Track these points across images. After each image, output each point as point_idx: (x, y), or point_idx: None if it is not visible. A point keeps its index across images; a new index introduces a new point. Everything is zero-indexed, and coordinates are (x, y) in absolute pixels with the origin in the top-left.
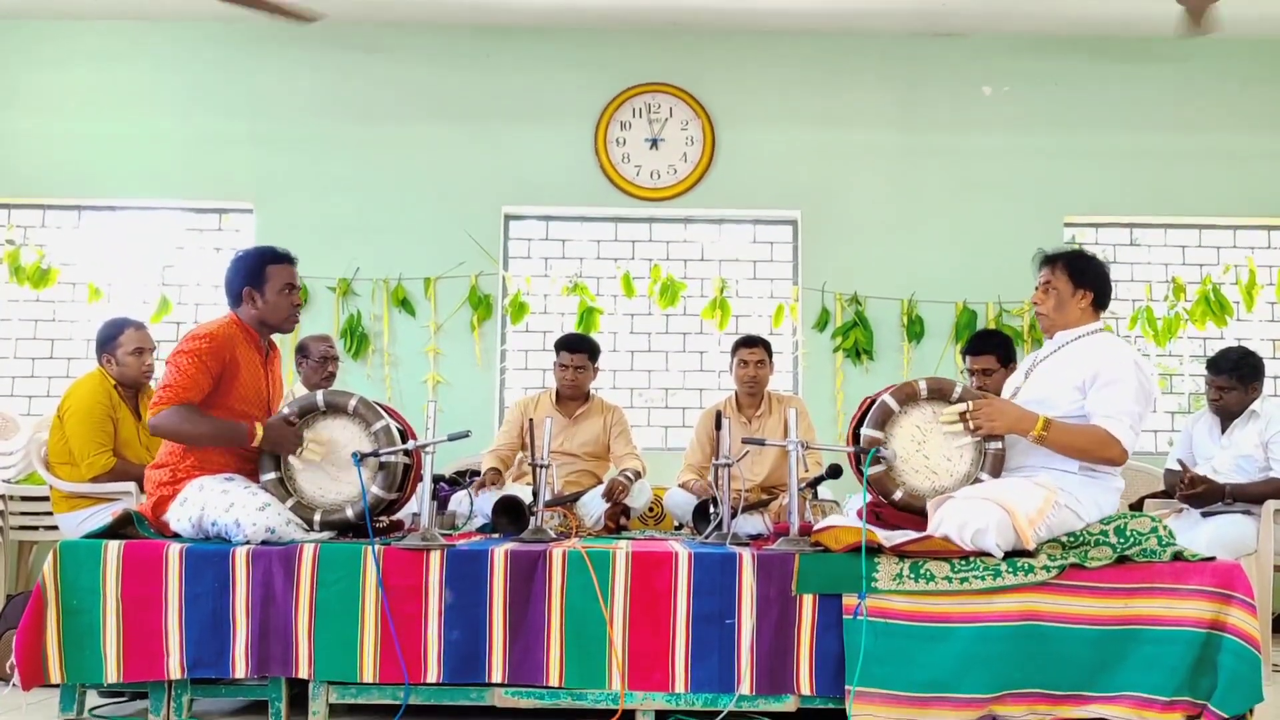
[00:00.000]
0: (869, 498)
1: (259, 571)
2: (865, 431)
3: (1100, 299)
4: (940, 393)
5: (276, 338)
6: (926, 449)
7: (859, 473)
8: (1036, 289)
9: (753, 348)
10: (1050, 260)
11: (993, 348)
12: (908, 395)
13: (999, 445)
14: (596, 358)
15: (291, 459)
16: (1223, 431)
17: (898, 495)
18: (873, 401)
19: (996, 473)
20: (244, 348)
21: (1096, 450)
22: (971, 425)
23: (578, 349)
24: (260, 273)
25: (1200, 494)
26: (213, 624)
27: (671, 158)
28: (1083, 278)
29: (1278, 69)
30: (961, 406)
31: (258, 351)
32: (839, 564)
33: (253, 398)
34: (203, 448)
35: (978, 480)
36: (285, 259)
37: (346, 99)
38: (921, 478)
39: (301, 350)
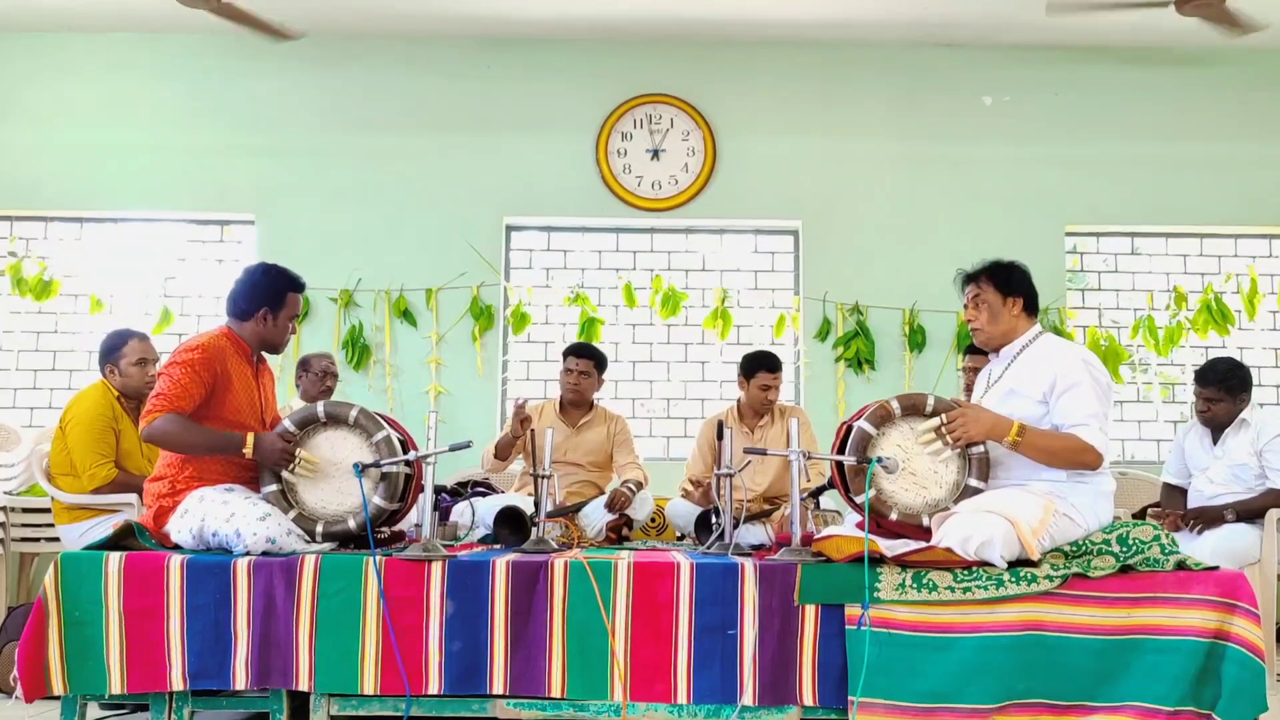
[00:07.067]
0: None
1: (260, 582)
2: (849, 461)
3: (1030, 303)
4: (914, 408)
5: None
6: (912, 465)
7: (846, 494)
8: (966, 306)
9: (775, 372)
10: (974, 276)
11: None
12: (882, 417)
13: (981, 449)
14: (603, 368)
15: (284, 474)
16: (1214, 442)
17: (893, 516)
18: (849, 428)
19: (984, 475)
20: (235, 360)
21: (1072, 456)
22: (949, 437)
23: (584, 355)
24: (282, 298)
25: (1200, 520)
26: (214, 635)
27: (673, 168)
28: (1010, 285)
29: (1278, 78)
30: (935, 421)
31: (249, 364)
32: (841, 574)
33: (246, 409)
34: (198, 456)
35: (968, 486)
36: (302, 287)
37: (348, 110)
38: (912, 495)
39: (303, 365)
